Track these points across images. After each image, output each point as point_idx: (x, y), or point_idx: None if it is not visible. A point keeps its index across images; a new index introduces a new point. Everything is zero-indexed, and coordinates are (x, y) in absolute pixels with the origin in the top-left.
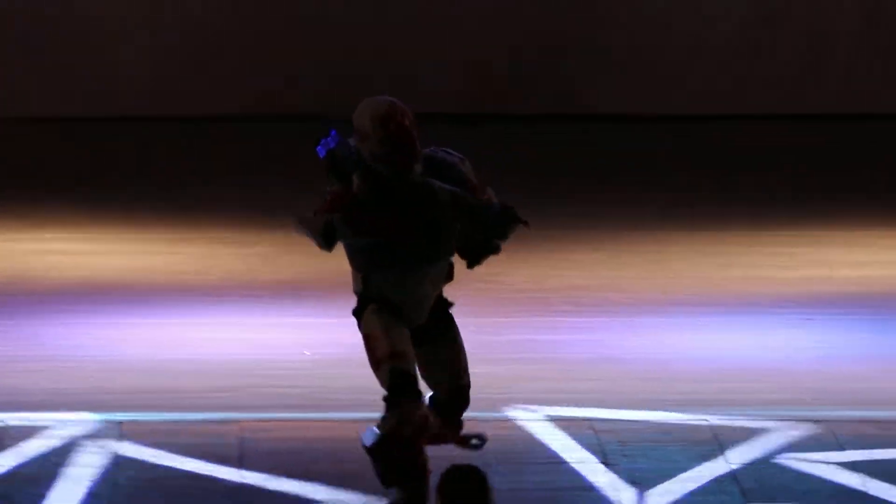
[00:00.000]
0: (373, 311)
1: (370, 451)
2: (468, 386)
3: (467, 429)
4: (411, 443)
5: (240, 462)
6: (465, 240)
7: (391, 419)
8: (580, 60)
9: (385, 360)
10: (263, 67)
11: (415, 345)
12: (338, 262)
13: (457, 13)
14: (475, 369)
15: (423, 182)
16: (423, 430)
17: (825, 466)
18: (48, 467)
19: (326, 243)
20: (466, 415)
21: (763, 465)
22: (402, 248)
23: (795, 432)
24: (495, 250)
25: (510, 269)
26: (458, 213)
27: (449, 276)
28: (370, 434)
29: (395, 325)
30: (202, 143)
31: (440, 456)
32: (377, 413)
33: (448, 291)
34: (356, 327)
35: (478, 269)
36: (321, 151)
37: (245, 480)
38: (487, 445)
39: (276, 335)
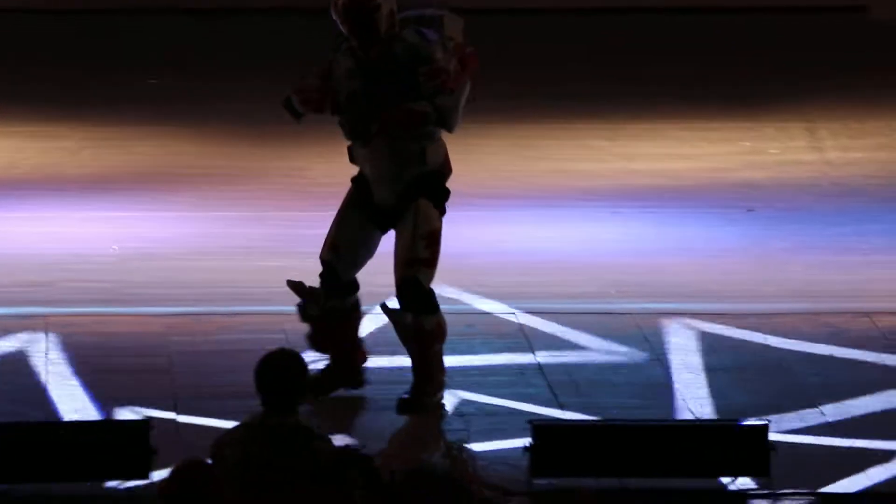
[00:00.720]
0: (347, 194)
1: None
2: (411, 280)
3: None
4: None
5: (45, 355)
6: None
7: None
8: None
9: (327, 246)
10: None
11: (390, 225)
12: (145, 156)
13: None
14: (273, 262)
15: (389, 59)
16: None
17: (629, 357)
18: None
19: (293, 117)
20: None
21: (568, 358)
22: (360, 122)
23: (602, 325)
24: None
25: (309, 162)
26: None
27: (421, 161)
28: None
29: (349, 217)
30: (12, 35)
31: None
32: (183, 307)
33: (249, 182)
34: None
35: (281, 163)
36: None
37: (51, 374)
38: (294, 339)
39: (84, 230)
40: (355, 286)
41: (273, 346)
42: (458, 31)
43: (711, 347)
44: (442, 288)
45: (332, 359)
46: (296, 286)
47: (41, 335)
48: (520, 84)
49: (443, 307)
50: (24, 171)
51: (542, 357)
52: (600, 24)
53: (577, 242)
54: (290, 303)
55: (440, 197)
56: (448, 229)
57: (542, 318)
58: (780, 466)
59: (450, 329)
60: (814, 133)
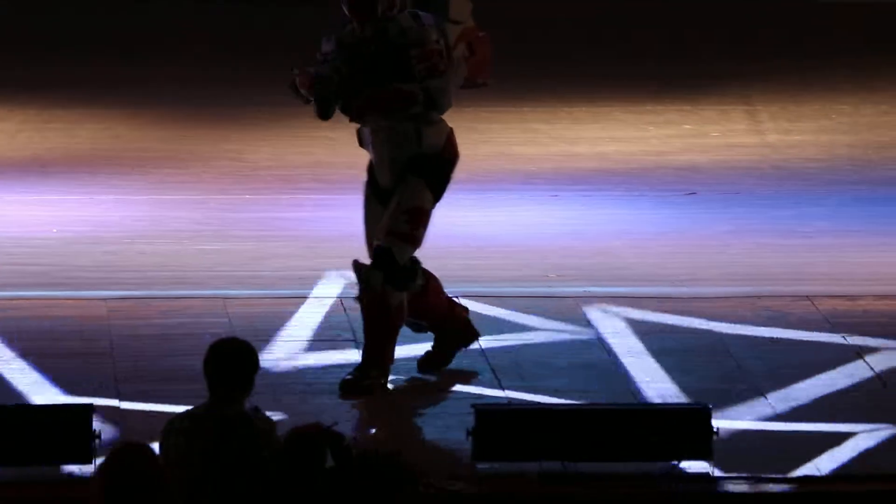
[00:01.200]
0: (364, 194)
1: None
2: (385, 250)
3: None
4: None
5: None
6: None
7: None
8: None
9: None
10: None
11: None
12: (85, 140)
13: None
14: (216, 245)
15: (381, 40)
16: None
17: (572, 341)
18: None
19: (300, 100)
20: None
21: (511, 341)
22: (356, 103)
23: (544, 308)
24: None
25: (251, 145)
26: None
27: (417, 143)
28: None
29: (369, 205)
30: None
31: None
32: (125, 291)
33: (191, 165)
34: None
35: (220, 145)
36: None
37: None
38: (237, 322)
39: (23, 213)
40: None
41: (216, 330)
42: (466, 14)
43: (653, 330)
44: None
45: (438, 327)
46: (357, 266)
47: None
48: None
49: None
50: None
51: (485, 341)
52: (544, 4)
53: (519, 226)
54: (233, 286)
55: (436, 180)
56: None
57: (485, 301)
58: (722, 450)
59: None
60: (754, 116)
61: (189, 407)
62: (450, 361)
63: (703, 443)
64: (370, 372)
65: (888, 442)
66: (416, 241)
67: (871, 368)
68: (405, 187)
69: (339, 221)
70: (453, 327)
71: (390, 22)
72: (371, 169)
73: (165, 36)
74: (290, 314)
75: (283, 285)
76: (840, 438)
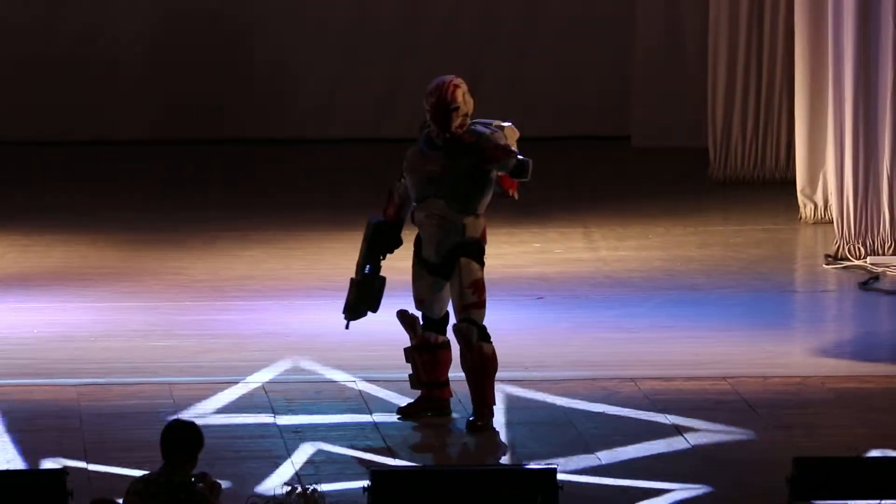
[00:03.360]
0: (413, 262)
1: (406, 354)
2: (467, 320)
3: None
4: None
5: None
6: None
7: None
8: None
9: (414, 300)
10: None
11: (443, 274)
12: (58, 259)
13: None
14: (165, 342)
15: (454, 146)
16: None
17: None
18: None
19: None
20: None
21: (396, 418)
22: (422, 191)
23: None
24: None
25: (191, 263)
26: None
27: (461, 233)
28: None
29: (419, 273)
30: None
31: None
32: (91, 378)
33: (143, 278)
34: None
35: (166, 263)
36: None
37: None
38: (180, 402)
39: (8, 317)
40: (446, 323)
41: (164, 410)
42: (514, 142)
43: (510, 406)
44: (298, 362)
45: (425, 392)
46: (401, 315)
47: None
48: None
49: (299, 378)
50: None
51: (378, 416)
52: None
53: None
54: (178, 375)
55: (479, 255)
56: (304, 315)
57: (377, 384)
58: (567, 502)
59: (302, 394)
60: (589, 236)
61: (146, 472)
62: (417, 418)
63: (552, 497)
64: (483, 411)
65: (702, 497)
66: (483, 303)
67: (686, 440)
68: (461, 268)
69: (262, 323)
70: (438, 397)
71: (466, 132)
72: (418, 242)
73: (120, 176)
74: (223, 395)
75: (218, 373)
76: (660, 492)
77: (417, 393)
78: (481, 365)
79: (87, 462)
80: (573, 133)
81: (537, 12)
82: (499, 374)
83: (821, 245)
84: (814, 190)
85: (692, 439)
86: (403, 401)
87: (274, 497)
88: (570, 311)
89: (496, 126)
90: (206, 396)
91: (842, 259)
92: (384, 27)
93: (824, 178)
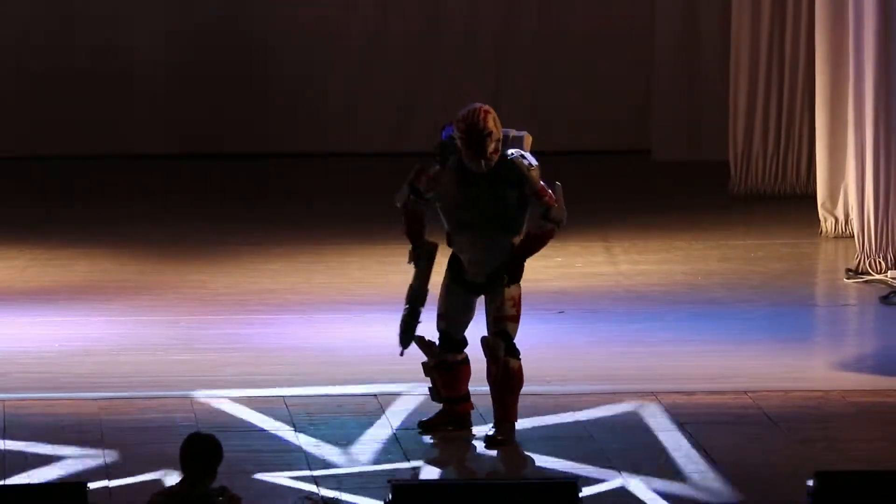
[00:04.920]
0: (445, 275)
1: (424, 369)
2: (503, 331)
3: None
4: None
5: (3, 432)
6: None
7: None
8: None
9: (439, 317)
10: None
11: (481, 292)
12: (80, 273)
13: None
14: (186, 356)
15: (492, 173)
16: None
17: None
18: None
19: (405, 195)
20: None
21: (415, 429)
22: (464, 217)
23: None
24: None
25: (212, 277)
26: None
27: (510, 253)
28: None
29: (452, 290)
30: None
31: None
32: (112, 392)
33: (165, 292)
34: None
35: (187, 277)
36: (444, 135)
37: (8, 447)
38: (201, 416)
39: (31, 332)
40: (465, 343)
41: (184, 424)
42: (529, 147)
43: (531, 419)
44: (320, 375)
45: (446, 406)
46: (418, 340)
47: None
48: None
49: (320, 391)
50: None
51: (399, 430)
52: None
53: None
54: (198, 388)
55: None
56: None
57: (399, 398)
58: None
59: (323, 408)
60: (610, 250)
61: (166, 483)
62: (436, 431)
63: None
64: (505, 426)
65: None
66: (519, 318)
67: (707, 454)
68: (502, 292)
69: (282, 336)
70: (458, 412)
71: (503, 162)
72: (454, 263)
73: (142, 191)
74: (244, 409)
75: (239, 387)
76: None
77: (438, 406)
78: (506, 380)
79: (108, 475)
80: (593, 147)
81: (556, 27)
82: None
83: (842, 259)
84: (834, 204)
85: (713, 453)
86: (425, 415)
87: None
88: (590, 325)
89: (513, 137)
90: (227, 410)
91: (863, 273)
92: (404, 42)
93: (845, 192)
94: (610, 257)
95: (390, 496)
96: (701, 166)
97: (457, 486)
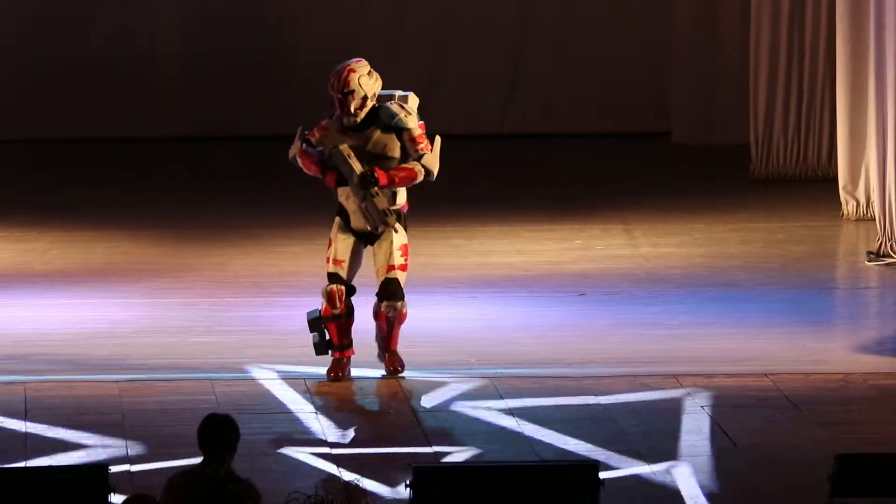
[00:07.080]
0: (336, 223)
1: (309, 323)
2: (394, 279)
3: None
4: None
5: (25, 415)
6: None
7: (323, 298)
8: None
9: (327, 263)
10: None
11: (369, 242)
12: (100, 255)
13: None
14: (206, 338)
15: (371, 123)
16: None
17: (488, 412)
18: None
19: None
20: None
21: (442, 412)
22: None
23: (466, 386)
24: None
25: (232, 259)
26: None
27: (392, 202)
28: (312, 312)
29: (343, 238)
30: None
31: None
32: (133, 375)
33: (184, 275)
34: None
35: (207, 259)
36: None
37: (29, 430)
38: (222, 399)
39: (51, 314)
40: (354, 290)
41: (205, 406)
42: (415, 107)
43: (553, 401)
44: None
45: (337, 354)
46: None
47: (21, 398)
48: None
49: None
50: (1, 268)
51: (421, 412)
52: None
53: (443, 321)
54: (219, 371)
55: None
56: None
57: (422, 380)
58: (608, 499)
59: (344, 390)
60: (630, 233)
61: (185, 466)
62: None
63: (593, 493)
64: (395, 354)
65: (744, 493)
66: (407, 266)
67: (728, 437)
68: (389, 236)
69: (302, 318)
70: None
71: (380, 109)
72: (341, 213)
73: (161, 173)
74: (265, 391)
75: (259, 368)
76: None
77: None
78: (399, 320)
79: (129, 457)
80: (613, 130)
81: (574, 10)
82: (540, 372)
83: (863, 242)
84: (855, 186)
85: (733, 436)
86: (444, 396)
87: (316, 492)
88: (611, 307)
89: (399, 98)
90: (248, 392)
91: (884, 256)
92: (422, 27)
93: (866, 174)
94: (630, 240)
95: (412, 478)
96: (721, 149)
97: (478, 468)
